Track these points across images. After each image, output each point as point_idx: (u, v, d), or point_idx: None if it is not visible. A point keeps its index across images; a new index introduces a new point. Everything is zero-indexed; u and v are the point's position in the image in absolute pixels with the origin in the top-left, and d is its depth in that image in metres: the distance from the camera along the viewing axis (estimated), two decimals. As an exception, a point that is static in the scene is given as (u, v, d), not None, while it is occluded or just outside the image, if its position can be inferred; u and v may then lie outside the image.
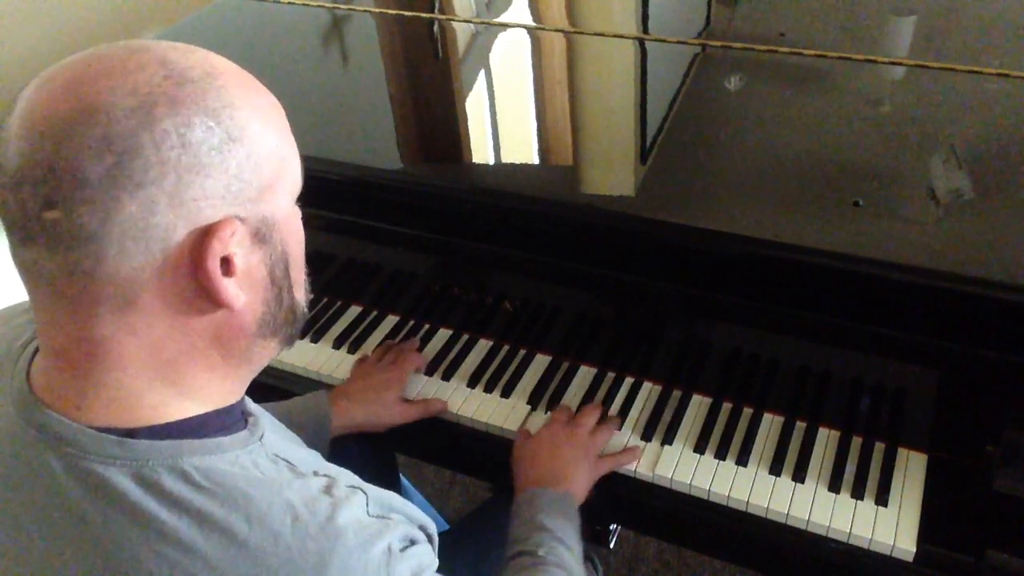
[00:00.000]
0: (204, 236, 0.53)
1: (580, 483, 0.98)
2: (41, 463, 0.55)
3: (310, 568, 0.53)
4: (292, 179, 0.60)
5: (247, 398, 0.65)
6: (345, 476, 0.62)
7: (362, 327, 1.24)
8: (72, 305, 0.53)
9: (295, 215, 0.61)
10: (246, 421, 0.62)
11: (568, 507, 0.94)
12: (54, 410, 0.55)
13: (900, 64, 1.27)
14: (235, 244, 0.54)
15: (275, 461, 0.59)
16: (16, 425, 0.57)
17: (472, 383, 1.15)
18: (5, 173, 0.51)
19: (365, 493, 0.61)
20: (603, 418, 1.08)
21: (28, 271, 0.53)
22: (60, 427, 0.55)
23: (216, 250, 0.53)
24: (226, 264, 0.54)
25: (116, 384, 0.55)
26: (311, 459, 0.64)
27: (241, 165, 0.54)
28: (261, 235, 0.57)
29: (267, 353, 0.62)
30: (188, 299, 0.55)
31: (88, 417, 0.55)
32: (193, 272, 0.54)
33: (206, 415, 0.58)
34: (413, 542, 0.61)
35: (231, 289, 0.55)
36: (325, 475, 0.61)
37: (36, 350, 0.60)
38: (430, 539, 0.65)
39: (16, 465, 0.56)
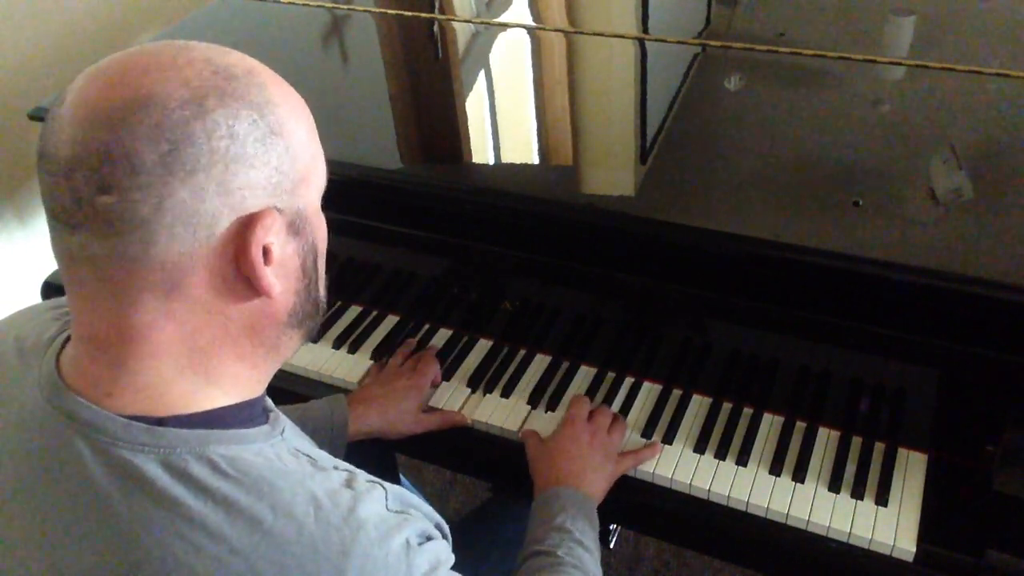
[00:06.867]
0: (248, 225, 0.55)
1: (601, 485, 0.97)
2: (70, 450, 0.56)
3: (333, 557, 0.54)
4: (320, 175, 0.62)
5: (267, 398, 0.66)
6: (362, 472, 0.63)
7: (362, 327, 1.24)
8: (116, 291, 0.54)
9: (321, 212, 0.64)
10: (267, 417, 0.63)
11: (588, 509, 0.93)
12: (83, 397, 0.56)
13: (900, 64, 1.27)
14: (273, 234, 0.56)
15: (296, 455, 0.61)
16: (45, 412, 0.58)
17: (472, 383, 1.15)
18: (56, 161, 0.52)
19: (384, 488, 0.62)
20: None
21: (73, 258, 0.54)
22: (89, 414, 0.56)
23: (259, 238, 0.55)
24: (265, 253, 0.56)
25: (149, 371, 0.56)
26: (328, 457, 0.65)
27: (281, 158, 0.56)
28: (295, 227, 0.59)
29: (292, 344, 0.64)
30: (229, 286, 0.56)
31: (118, 405, 0.56)
32: (235, 260, 0.56)
33: (231, 407, 0.60)
34: (430, 538, 0.62)
35: (270, 277, 0.57)
36: (345, 470, 0.62)
37: (65, 341, 0.61)
38: (445, 537, 0.66)
39: (44, 451, 0.57)
